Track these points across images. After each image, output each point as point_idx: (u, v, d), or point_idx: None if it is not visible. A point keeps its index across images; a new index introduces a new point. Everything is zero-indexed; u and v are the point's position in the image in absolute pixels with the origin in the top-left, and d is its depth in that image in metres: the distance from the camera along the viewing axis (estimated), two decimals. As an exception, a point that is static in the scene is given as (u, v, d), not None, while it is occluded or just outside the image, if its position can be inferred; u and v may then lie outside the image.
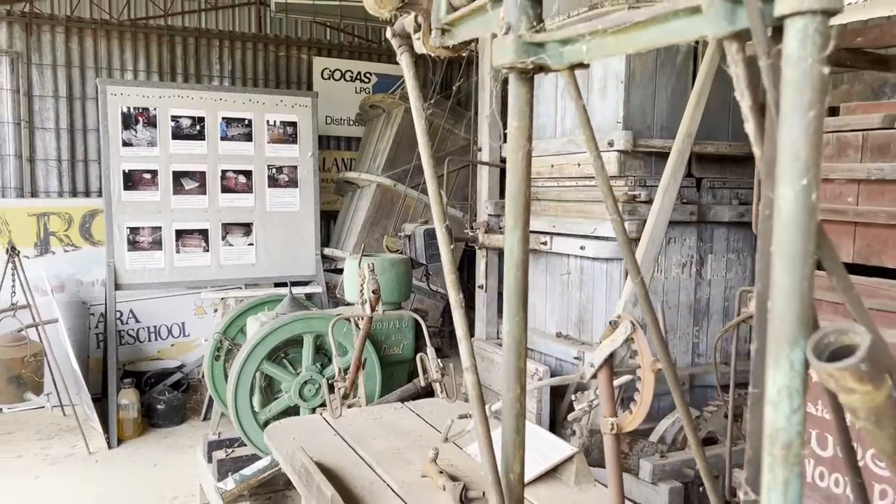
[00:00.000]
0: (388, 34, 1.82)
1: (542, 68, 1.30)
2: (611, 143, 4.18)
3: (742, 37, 0.96)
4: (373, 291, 3.36)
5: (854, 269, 2.96)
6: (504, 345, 1.43)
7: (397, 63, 1.86)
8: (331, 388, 3.28)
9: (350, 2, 7.71)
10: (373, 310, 3.42)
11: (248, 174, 6.36)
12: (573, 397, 2.33)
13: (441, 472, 2.70)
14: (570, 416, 2.34)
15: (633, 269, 1.44)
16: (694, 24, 1.00)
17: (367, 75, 8.16)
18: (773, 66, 0.88)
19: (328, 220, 7.84)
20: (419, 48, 1.74)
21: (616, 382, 1.97)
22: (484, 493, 2.55)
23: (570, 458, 2.78)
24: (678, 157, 3.98)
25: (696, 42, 4.30)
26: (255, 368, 3.92)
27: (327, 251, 6.96)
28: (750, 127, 0.99)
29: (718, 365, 3.87)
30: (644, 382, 1.75)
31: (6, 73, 6.65)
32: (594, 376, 1.89)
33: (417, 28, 1.72)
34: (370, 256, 4.50)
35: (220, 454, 4.12)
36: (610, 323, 1.85)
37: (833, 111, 3.30)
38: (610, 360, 1.87)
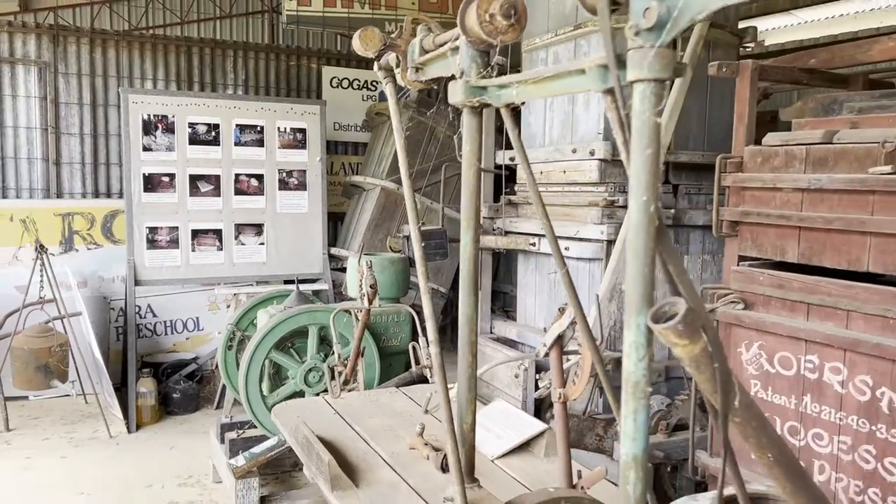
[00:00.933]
0: (376, 68, 2.20)
1: (485, 105, 1.67)
2: (592, 153, 4.53)
3: (613, 91, 1.32)
4: (370, 286, 3.73)
5: (799, 268, 3.30)
6: (459, 322, 1.79)
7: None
8: (332, 373, 3.65)
9: (358, 13, 8.11)
10: (370, 303, 3.79)
11: (259, 178, 6.76)
12: (537, 377, 2.69)
13: (426, 444, 3.07)
14: (536, 394, 2.69)
15: (560, 261, 1.80)
16: (582, 80, 1.36)
17: (374, 84, 8.54)
18: (627, 115, 1.25)
19: (336, 222, 8.23)
20: (400, 80, 2.11)
21: (566, 365, 2.32)
22: (462, 462, 2.91)
23: (541, 434, 3.14)
24: (652, 165, 4.33)
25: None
26: (264, 356, 4.31)
27: (334, 251, 7.35)
28: (623, 156, 1.35)
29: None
30: (584, 359, 2.11)
31: (35, 81, 7.09)
32: (546, 355, 2.25)
33: (398, 64, 2.09)
34: (370, 255, 4.88)
35: (231, 435, 4.50)
36: (559, 309, 2.22)
37: (787, 126, 3.65)
38: (559, 340, 2.23)
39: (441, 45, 1.82)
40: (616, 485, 2.59)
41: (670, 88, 4.20)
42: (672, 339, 1.21)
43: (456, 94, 1.66)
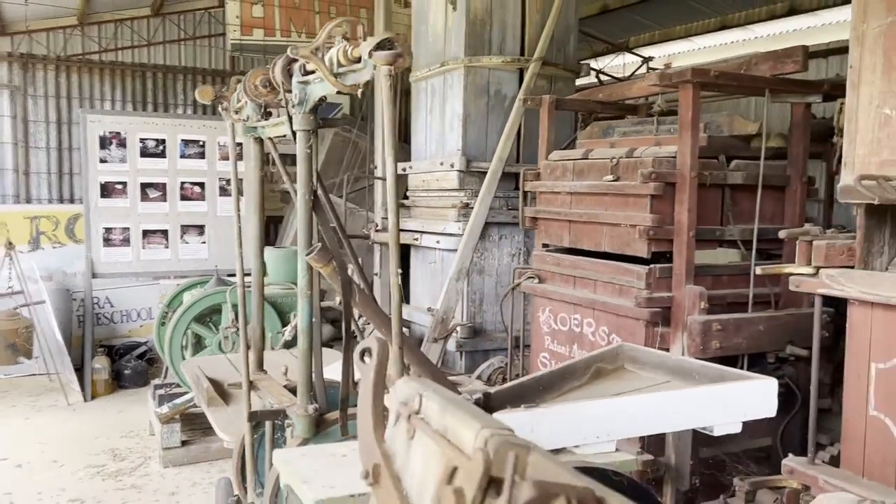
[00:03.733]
0: (220, 109, 3.30)
1: (260, 139, 2.78)
2: (452, 165, 5.66)
3: (296, 134, 2.43)
4: (261, 268, 4.83)
5: (571, 251, 4.43)
6: (253, 273, 2.89)
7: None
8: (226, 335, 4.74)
9: (295, 42, 9.23)
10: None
11: (201, 185, 7.85)
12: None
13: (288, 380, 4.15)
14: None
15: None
16: (284, 128, 2.47)
17: (311, 103, 9.66)
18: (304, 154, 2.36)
19: (276, 224, 9.32)
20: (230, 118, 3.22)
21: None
22: (308, 390, 4.00)
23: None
24: (492, 176, 5.48)
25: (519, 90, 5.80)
26: (185, 326, 5.39)
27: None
28: (286, 183, 2.46)
29: (507, 323, 5.32)
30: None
31: (6, 103, 8.17)
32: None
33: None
34: (280, 249, 5.98)
35: (161, 392, 5.58)
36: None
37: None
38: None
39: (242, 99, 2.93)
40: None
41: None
42: (314, 264, 2.33)
43: (240, 130, 2.77)
